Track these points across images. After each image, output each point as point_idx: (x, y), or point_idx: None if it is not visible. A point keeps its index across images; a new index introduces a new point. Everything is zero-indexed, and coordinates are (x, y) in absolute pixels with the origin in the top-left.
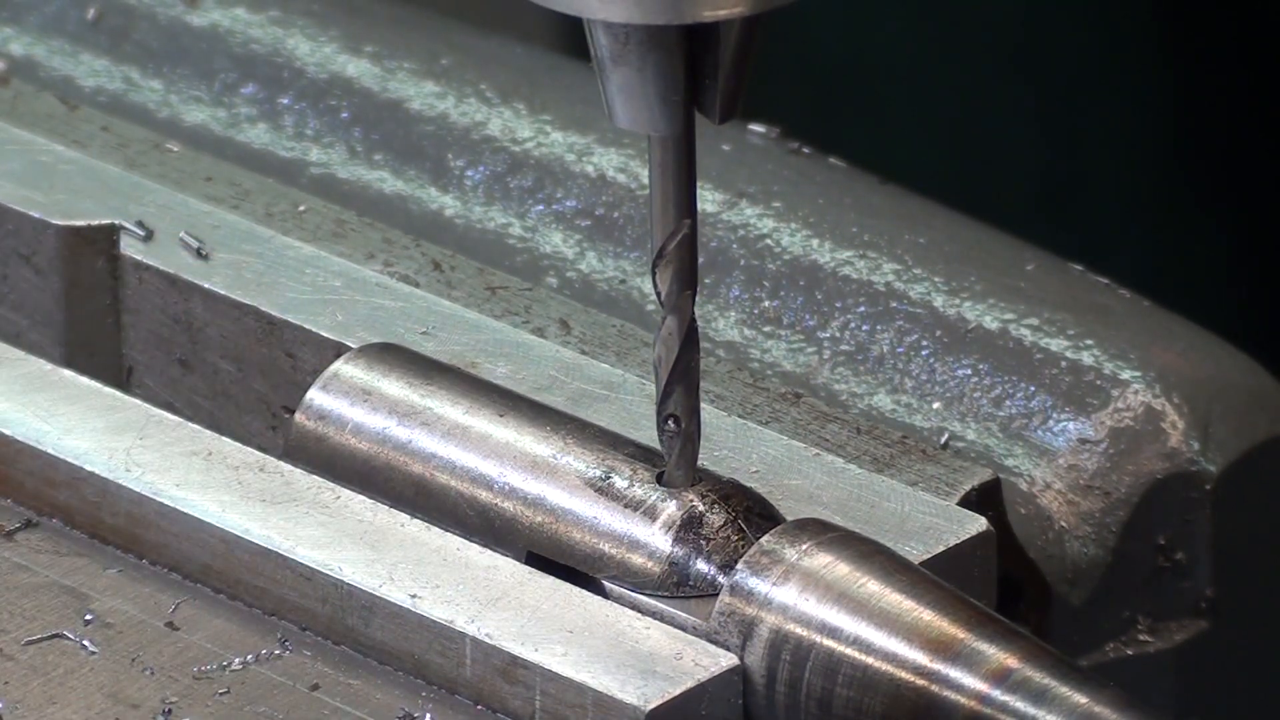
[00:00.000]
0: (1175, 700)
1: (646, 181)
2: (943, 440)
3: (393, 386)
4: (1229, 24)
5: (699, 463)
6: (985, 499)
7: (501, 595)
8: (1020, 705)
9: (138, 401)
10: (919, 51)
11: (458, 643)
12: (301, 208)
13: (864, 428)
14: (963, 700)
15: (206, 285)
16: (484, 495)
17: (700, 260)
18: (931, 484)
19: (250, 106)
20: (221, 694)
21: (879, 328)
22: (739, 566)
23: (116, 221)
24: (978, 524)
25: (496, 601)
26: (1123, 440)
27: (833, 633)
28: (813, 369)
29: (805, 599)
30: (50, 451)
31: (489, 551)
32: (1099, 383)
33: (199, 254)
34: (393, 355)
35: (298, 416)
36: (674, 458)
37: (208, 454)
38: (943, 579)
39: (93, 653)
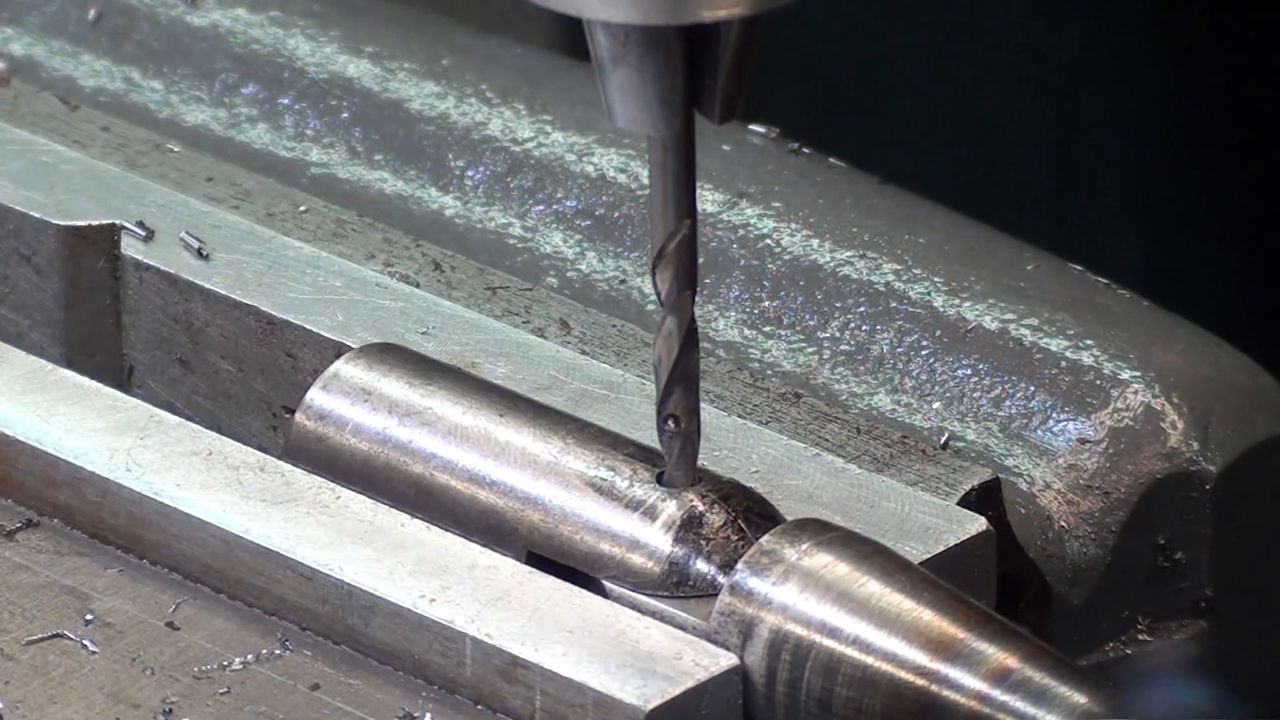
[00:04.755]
0: None
1: (646, 181)
2: (943, 440)
3: (393, 387)
4: (1229, 24)
5: (699, 463)
6: (985, 499)
7: (501, 595)
8: (1020, 705)
9: (138, 401)
10: (919, 51)
11: (458, 643)
12: (302, 208)
13: (864, 428)
14: (963, 700)
15: (207, 285)
16: (484, 495)
17: (700, 260)
18: (931, 484)
19: (251, 107)
20: (221, 694)
21: (879, 328)
22: (739, 566)
23: (117, 221)
24: (977, 524)
25: (496, 601)
26: (1122, 440)
27: (832, 632)
28: (813, 369)
29: (805, 599)
30: (51, 451)
31: (489, 551)
32: (1099, 383)
33: (199, 254)
34: (393, 355)
35: (298, 416)
36: (674, 458)
37: (208, 454)
38: (943, 579)
39: (93, 652)
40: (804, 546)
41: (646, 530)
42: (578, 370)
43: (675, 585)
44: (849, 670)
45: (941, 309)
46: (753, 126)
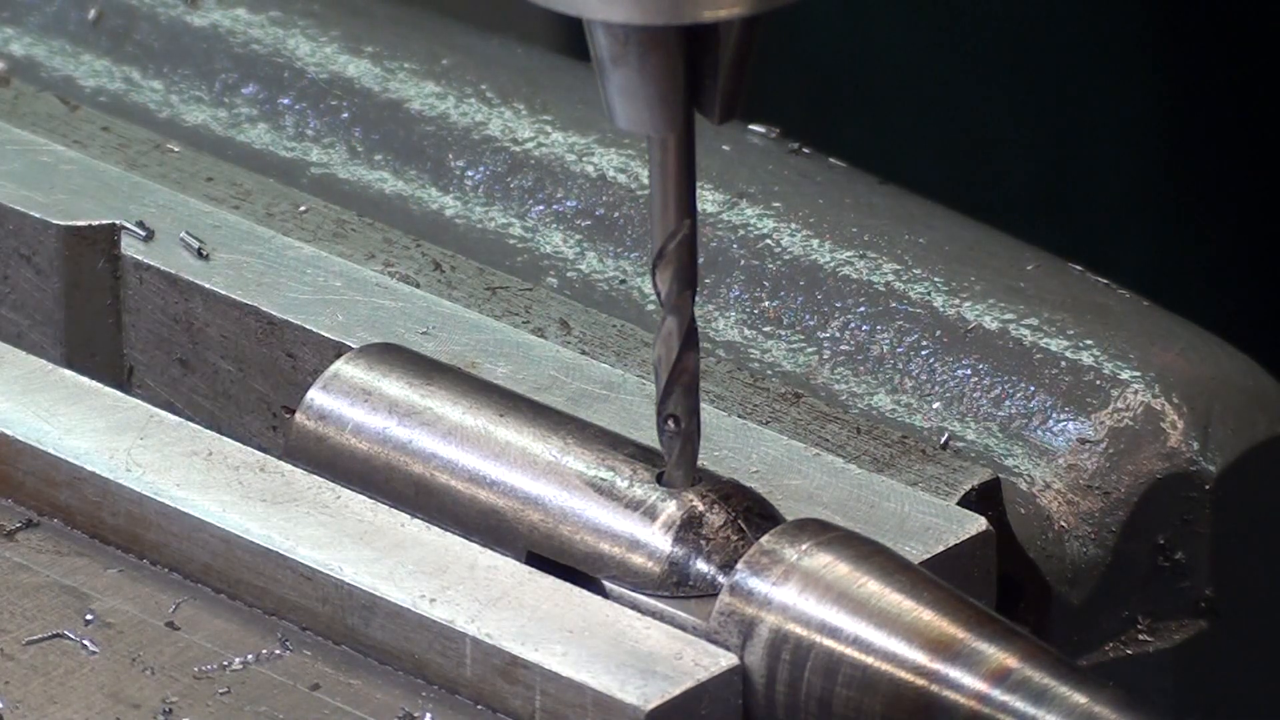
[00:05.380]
0: (1175, 700)
1: (646, 181)
2: (943, 440)
3: (393, 386)
4: (1227, 24)
5: (699, 463)
6: (985, 499)
7: (501, 595)
8: (1020, 705)
9: (138, 401)
10: (918, 51)
11: (458, 643)
12: (302, 208)
13: (864, 428)
14: (962, 700)
15: (207, 285)
16: (484, 495)
17: (700, 260)
18: (931, 484)
19: (251, 107)
20: (221, 694)
21: (879, 328)
22: (739, 566)
23: (117, 221)
24: (977, 524)
25: (496, 601)
26: (1122, 440)
27: (832, 632)
28: (813, 369)
29: (805, 599)
30: (51, 451)
31: (489, 551)
32: (1099, 383)
33: (199, 254)
34: (393, 355)
35: (298, 416)
36: (674, 458)
37: (208, 454)
38: (943, 579)
39: (93, 652)
40: (804, 546)
41: (646, 530)
42: (578, 370)
43: (675, 585)
44: (849, 670)
45: (941, 309)
46: (753, 126)
